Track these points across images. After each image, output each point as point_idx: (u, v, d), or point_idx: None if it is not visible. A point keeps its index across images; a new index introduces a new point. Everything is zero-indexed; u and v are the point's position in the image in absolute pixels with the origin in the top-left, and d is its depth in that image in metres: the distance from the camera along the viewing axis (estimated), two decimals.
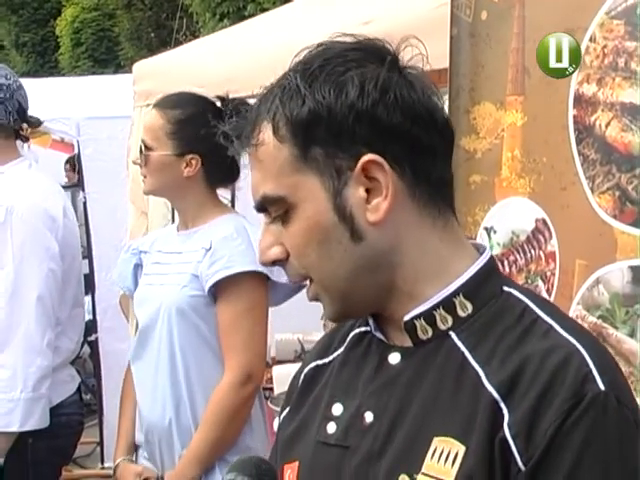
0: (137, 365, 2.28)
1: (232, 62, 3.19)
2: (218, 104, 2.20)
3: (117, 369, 3.35)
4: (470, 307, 1.00)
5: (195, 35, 11.51)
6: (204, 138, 2.11)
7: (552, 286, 1.66)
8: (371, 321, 1.07)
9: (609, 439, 0.91)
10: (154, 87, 3.61)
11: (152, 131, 2.22)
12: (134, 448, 2.31)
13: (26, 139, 2.56)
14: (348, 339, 1.11)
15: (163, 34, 14.92)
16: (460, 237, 1.05)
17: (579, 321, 1.60)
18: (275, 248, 1.02)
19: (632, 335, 1.53)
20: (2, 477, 2.34)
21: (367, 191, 0.99)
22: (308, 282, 1.04)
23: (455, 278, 1.00)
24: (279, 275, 2.16)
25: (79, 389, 2.58)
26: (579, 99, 1.59)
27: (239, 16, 10.52)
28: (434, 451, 0.95)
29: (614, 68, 1.54)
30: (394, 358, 1.02)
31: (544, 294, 1.67)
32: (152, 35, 15.63)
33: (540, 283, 1.69)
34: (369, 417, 1.01)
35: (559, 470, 0.91)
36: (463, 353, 0.98)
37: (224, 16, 11.88)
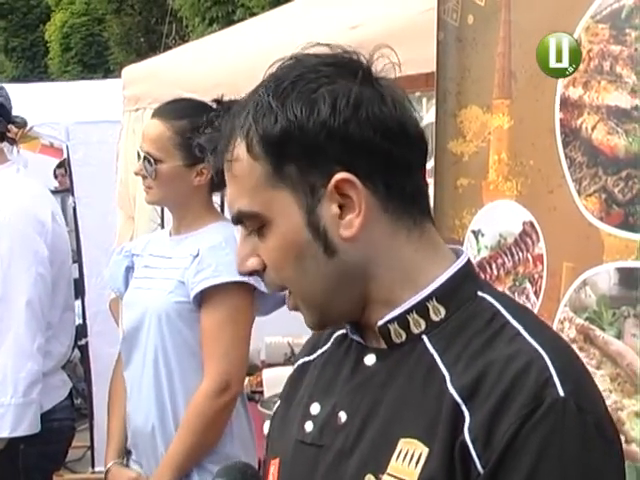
0: (127, 370, 2.28)
1: (222, 66, 3.19)
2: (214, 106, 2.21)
3: (107, 373, 3.34)
4: (443, 311, 1.01)
5: (184, 40, 11.50)
6: None
7: (540, 288, 1.67)
8: (348, 324, 1.08)
9: (567, 444, 0.92)
10: (143, 92, 3.61)
11: (158, 142, 2.20)
12: (125, 451, 2.31)
13: (13, 141, 2.56)
14: (332, 339, 1.13)
15: (152, 39, 14.91)
16: (438, 244, 1.05)
17: (566, 323, 1.61)
18: (252, 259, 1.03)
19: (619, 337, 1.54)
20: None
21: (340, 207, 1.00)
22: (288, 292, 1.05)
23: (430, 283, 1.02)
24: None
25: (70, 394, 2.58)
26: (565, 102, 1.60)
27: (228, 20, 10.52)
28: (399, 452, 0.97)
29: (599, 72, 1.55)
30: (370, 359, 1.04)
31: (532, 296, 1.68)
32: (141, 40, 15.61)
33: (528, 285, 1.70)
34: (343, 416, 1.03)
35: (516, 474, 0.91)
36: (432, 356, 1.00)
37: (213, 21, 11.88)
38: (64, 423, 2.50)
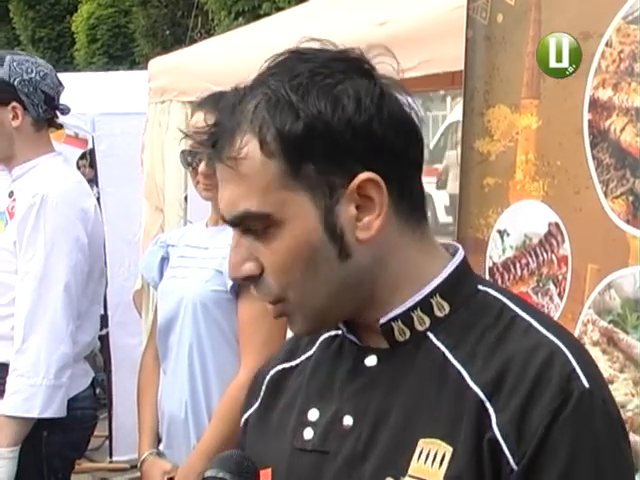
0: (164, 359, 2.29)
1: (247, 61, 3.19)
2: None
3: (127, 364, 3.38)
4: (447, 307, 1.00)
5: (210, 33, 11.51)
6: None
7: (563, 290, 1.66)
8: (342, 324, 1.05)
9: (599, 435, 0.92)
10: (169, 84, 3.62)
11: None
12: (158, 441, 2.32)
13: (60, 126, 2.60)
14: (317, 343, 1.09)
15: (178, 32, 14.93)
16: (433, 242, 1.04)
17: (590, 326, 1.60)
18: (249, 263, 0.98)
19: None
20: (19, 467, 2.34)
21: (357, 208, 0.96)
22: (272, 301, 1.00)
23: (431, 280, 1.00)
24: None
25: (93, 384, 2.60)
26: (594, 103, 1.59)
27: (254, 15, 10.51)
28: (420, 453, 0.95)
29: (630, 73, 1.54)
30: (370, 360, 1.01)
31: (555, 298, 1.68)
32: (167, 33, 15.64)
33: (552, 287, 1.69)
34: (349, 421, 1.00)
35: (553, 468, 0.91)
36: (443, 353, 0.98)
37: (239, 14, 11.87)
38: (86, 412, 2.52)
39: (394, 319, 1.00)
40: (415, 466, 0.94)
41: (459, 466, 0.92)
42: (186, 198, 3.47)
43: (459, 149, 1.88)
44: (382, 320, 1.00)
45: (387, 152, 0.96)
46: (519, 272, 1.75)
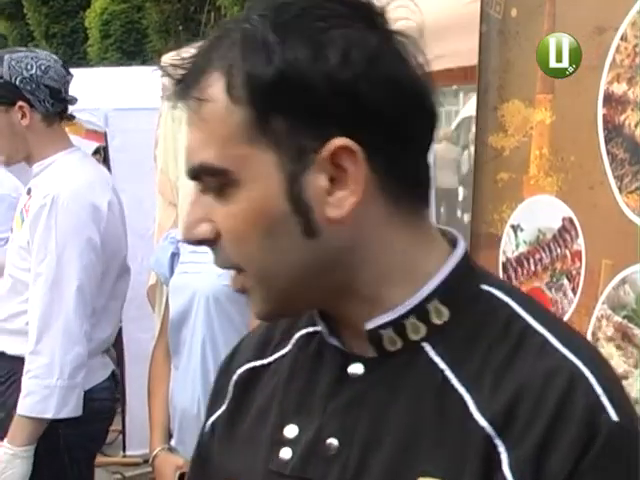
0: (176, 354, 2.30)
1: None
2: None
3: (140, 358, 3.38)
4: (447, 313, 0.85)
5: None
6: None
7: (577, 285, 1.66)
8: (323, 325, 0.90)
9: (629, 476, 0.79)
10: None
11: None
12: (169, 436, 2.33)
13: (72, 117, 2.60)
14: (293, 341, 0.95)
15: (191, 27, 14.95)
16: (434, 234, 0.89)
17: (604, 321, 1.60)
18: (204, 225, 0.85)
19: None
20: (35, 463, 2.36)
21: (330, 180, 0.82)
22: (234, 271, 0.87)
23: (427, 280, 0.85)
24: None
25: (113, 376, 2.61)
26: (609, 98, 1.59)
27: None
28: None
29: None
30: (356, 369, 0.87)
31: (569, 293, 1.67)
32: (180, 28, 15.67)
33: (565, 282, 1.68)
34: (334, 443, 0.86)
35: None
36: (443, 371, 0.83)
37: None
38: (104, 403, 2.54)
39: (383, 326, 0.85)
40: None
41: None
42: None
43: (471, 145, 1.88)
44: (368, 326, 0.85)
45: (374, 119, 0.81)
46: (533, 267, 1.74)
